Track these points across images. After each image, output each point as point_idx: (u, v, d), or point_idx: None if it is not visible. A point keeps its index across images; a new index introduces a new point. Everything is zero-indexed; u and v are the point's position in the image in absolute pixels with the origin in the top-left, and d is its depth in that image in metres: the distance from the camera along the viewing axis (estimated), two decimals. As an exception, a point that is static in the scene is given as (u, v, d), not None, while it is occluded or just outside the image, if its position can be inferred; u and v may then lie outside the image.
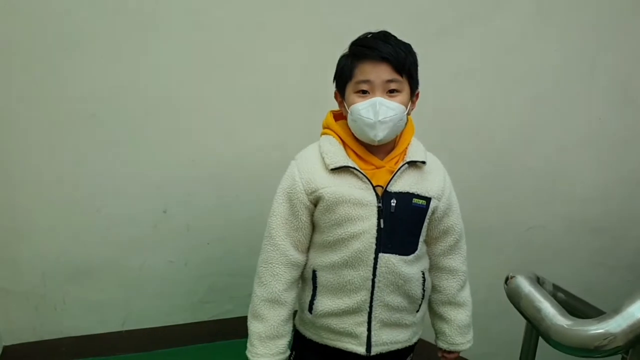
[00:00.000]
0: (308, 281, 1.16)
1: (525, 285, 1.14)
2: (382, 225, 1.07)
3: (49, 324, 1.77)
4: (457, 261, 1.21)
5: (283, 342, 1.14)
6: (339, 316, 1.12)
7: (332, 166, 1.08)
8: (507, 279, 1.21)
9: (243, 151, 1.78)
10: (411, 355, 1.25)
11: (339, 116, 1.16)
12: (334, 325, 1.13)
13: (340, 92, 1.13)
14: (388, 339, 1.14)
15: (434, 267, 1.22)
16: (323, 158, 1.10)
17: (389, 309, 1.12)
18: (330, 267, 1.11)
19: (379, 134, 1.05)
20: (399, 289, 1.11)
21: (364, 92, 1.07)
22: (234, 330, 1.72)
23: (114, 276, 1.78)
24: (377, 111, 1.04)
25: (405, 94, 1.08)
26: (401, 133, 1.13)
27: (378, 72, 1.05)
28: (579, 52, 2.01)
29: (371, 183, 1.08)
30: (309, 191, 1.09)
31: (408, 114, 1.11)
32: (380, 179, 1.09)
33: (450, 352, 1.26)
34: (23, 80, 1.55)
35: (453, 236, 1.19)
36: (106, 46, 1.58)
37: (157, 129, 1.69)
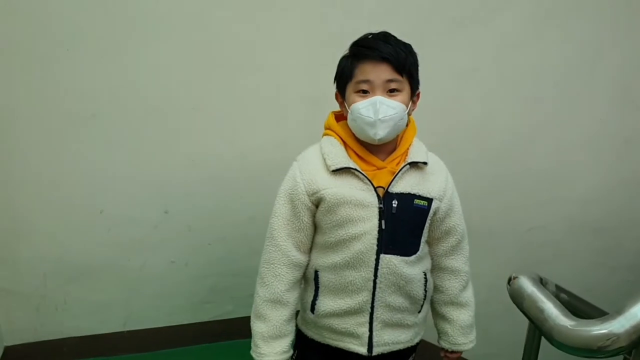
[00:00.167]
0: (310, 281, 1.16)
1: (528, 286, 1.14)
2: (383, 227, 1.07)
3: (50, 324, 1.77)
4: (459, 261, 1.21)
5: (286, 342, 1.14)
6: (341, 316, 1.13)
7: (333, 167, 1.08)
8: (509, 280, 1.21)
9: (244, 151, 1.77)
10: (413, 355, 1.25)
11: (340, 117, 1.16)
12: (336, 326, 1.13)
13: (341, 92, 1.13)
14: (390, 339, 1.14)
15: (436, 268, 1.22)
16: (324, 159, 1.10)
17: (391, 310, 1.12)
18: (332, 268, 1.11)
19: (379, 133, 1.05)
20: (401, 289, 1.11)
21: (364, 91, 1.07)
22: (238, 330, 1.71)
23: (114, 276, 1.78)
24: (377, 109, 1.04)
25: (405, 94, 1.08)
26: (403, 133, 1.13)
27: (378, 72, 1.05)
28: (580, 52, 2.01)
29: (372, 184, 1.08)
30: (311, 192, 1.09)
31: (409, 114, 1.11)
32: (382, 179, 1.09)
33: (452, 352, 1.26)
34: (23, 80, 1.55)
35: (455, 237, 1.19)
36: (106, 46, 1.58)
37: (157, 129, 1.69)
